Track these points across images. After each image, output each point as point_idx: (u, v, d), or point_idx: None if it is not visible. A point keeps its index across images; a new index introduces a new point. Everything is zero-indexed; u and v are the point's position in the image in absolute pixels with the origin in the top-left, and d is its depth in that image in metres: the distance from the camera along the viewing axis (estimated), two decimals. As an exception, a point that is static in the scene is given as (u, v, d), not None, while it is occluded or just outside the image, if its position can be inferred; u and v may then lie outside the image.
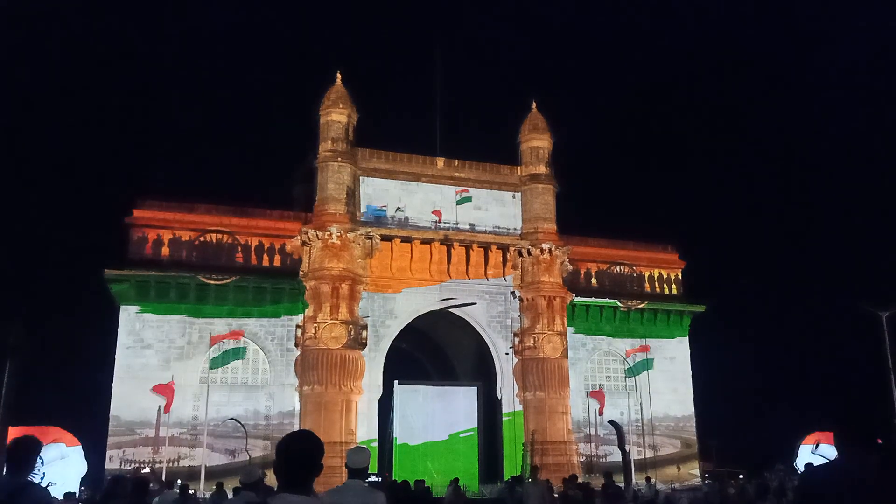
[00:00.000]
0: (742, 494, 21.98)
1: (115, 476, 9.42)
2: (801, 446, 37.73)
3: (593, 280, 43.15)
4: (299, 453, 4.22)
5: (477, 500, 29.57)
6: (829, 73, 76.09)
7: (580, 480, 23.21)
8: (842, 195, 73.99)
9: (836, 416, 4.71)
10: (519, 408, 38.30)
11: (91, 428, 33.77)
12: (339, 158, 37.10)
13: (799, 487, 5.01)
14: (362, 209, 37.60)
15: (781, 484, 25.39)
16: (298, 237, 36.49)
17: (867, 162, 69.49)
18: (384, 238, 37.20)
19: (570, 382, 38.75)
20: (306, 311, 35.80)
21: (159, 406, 34.02)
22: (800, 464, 36.87)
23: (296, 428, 33.08)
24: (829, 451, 33.25)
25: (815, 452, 33.43)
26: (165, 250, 35.99)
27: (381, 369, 36.96)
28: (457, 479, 22.96)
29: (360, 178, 37.93)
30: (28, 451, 5.69)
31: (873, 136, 70.00)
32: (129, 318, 34.92)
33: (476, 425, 37.58)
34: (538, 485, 18.31)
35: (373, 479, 25.06)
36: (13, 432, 22.85)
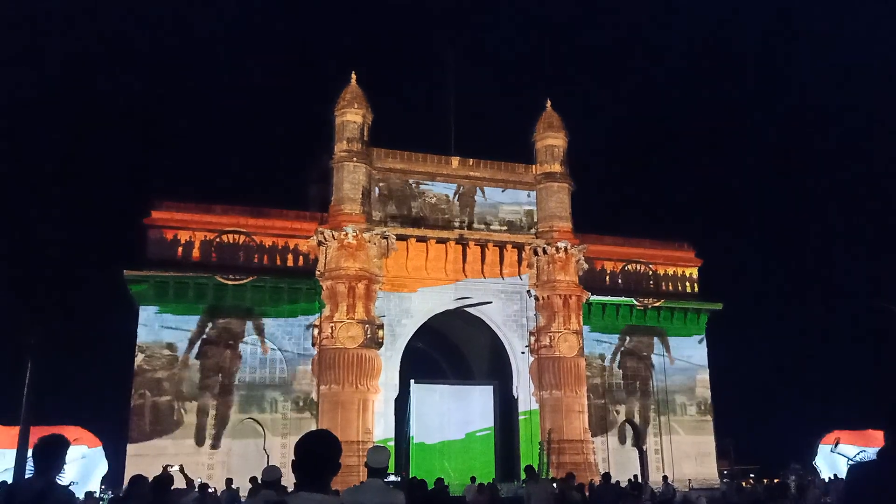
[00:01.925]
0: (756, 493, 21.89)
1: (135, 476, 9.53)
2: (819, 445, 37.45)
3: (610, 278, 43.04)
4: (316, 452, 4.31)
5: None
6: (841, 70, 75.44)
7: (593, 478, 23.12)
8: (860, 192, 73.35)
9: (888, 410, 4.72)
10: (535, 406, 38.25)
11: (112, 428, 34.17)
12: (355, 158, 37.20)
13: (847, 480, 5.02)
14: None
15: (800, 483, 25.26)
16: (314, 237, 36.63)
17: (888, 157, 68.76)
18: (399, 237, 37.29)
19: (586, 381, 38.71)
20: (323, 310, 35.97)
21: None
22: (819, 462, 36.65)
23: (313, 427, 33.25)
24: (848, 450, 33.01)
25: (834, 451, 33.15)
26: (183, 251, 36.30)
27: (398, 368, 37.04)
28: (481, 483, 22.62)
29: (375, 177, 38.06)
30: (56, 450, 5.67)
31: (890, 132, 69.25)
32: (149, 319, 35.26)
33: (492, 424, 37.60)
34: (542, 484, 17.64)
35: (392, 478, 25.15)
36: (35, 432, 23.11)
